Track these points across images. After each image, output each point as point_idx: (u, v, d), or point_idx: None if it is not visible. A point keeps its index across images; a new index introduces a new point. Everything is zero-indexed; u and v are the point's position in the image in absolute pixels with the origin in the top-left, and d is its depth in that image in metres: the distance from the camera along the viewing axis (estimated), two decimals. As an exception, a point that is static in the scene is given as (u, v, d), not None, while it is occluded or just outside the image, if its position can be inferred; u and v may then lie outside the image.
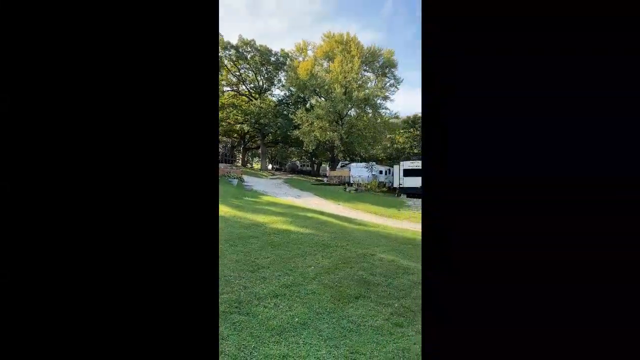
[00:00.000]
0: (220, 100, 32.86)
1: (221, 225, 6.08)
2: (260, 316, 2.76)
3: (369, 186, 19.37)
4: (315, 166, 37.67)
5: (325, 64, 27.83)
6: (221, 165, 18.88)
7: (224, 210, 7.75)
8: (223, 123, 31.80)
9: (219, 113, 31.46)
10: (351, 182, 20.89)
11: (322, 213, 9.95)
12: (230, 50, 30.72)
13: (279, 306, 3.07)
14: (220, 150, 21.72)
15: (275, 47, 35.70)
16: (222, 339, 2.38)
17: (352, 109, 26.91)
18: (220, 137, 33.66)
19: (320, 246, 5.41)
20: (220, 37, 30.29)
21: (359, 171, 21.60)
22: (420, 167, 17.46)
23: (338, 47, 26.18)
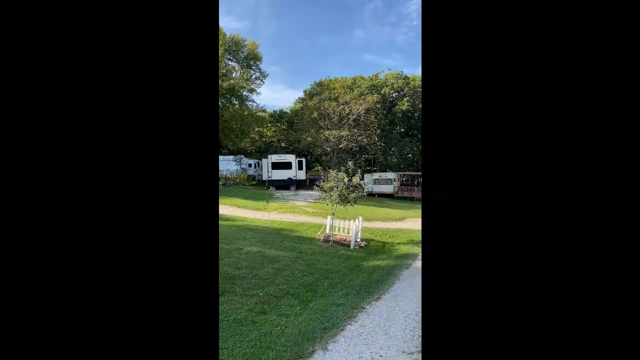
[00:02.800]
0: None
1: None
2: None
3: (238, 180, 19.00)
4: (177, 160, 33.94)
5: (184, 47, 25.18)
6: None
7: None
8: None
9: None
10: (219, 175, 19.97)
11: (184, 211, 9.14)
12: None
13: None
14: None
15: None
16: None
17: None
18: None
19: (181, 247, 5.01)
20: None
21: (227, 164, 20.83)
22: (287, 160, 18.36)
23: (198, 31, 24.13)
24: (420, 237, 1.34)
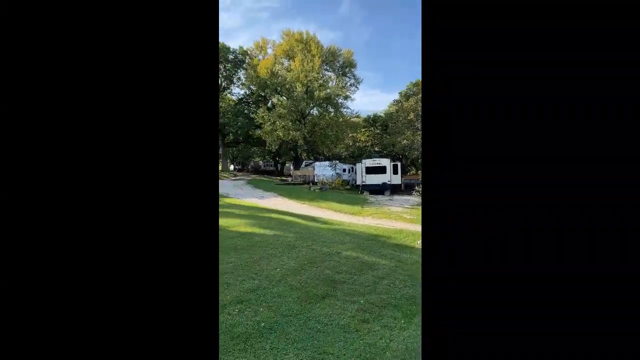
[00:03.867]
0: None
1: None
2: (224, 324, 2.66)
3: (333, 184, 19.59)
4: (279, 166, 37.29)
5: (285, 63, 27.60)
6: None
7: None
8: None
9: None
10: (315, 180, 20.97)
11: (286, 213, 9.87)
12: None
13: (243, 312, 2.97)
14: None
15: (230, 44, 34.61)
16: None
17: (314, 108, 27.01)
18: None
19: (286, 247, 5.36)
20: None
21: (322, 170, 21.75)
22: (382, 164, 18.02)
23: (298, 46, 26.09)
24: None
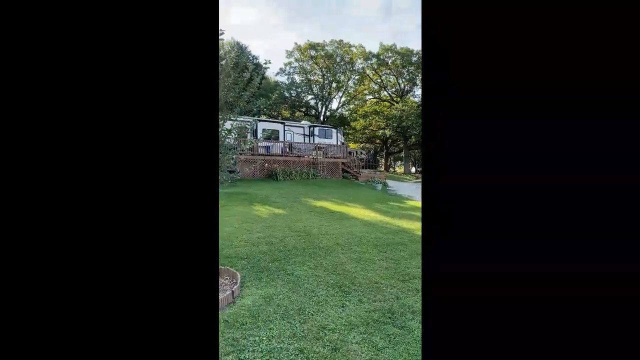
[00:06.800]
0: (362, 109, 34.32)
1: (367, 230, 6.18)
2: (416, 332, 2.55)
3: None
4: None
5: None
6: (365, 171, 19.53)
7: (369, 215, 7.89)
8: (366, 131, 33.00)
9: (363, 121, 32.82)
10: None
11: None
12: (372, 60, 31.70)
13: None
14: (363, 156, 22.52)
15: (411, 46, 34.29)
16: (378, 349, 2.31)
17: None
18: (363, 144, 35.10)
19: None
20: (361, 49, 31.77)
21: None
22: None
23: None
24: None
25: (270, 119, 20.96)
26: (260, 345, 2.30)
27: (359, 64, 32.91)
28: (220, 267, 3.66)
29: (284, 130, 18.77)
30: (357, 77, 33.87)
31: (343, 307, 2.96)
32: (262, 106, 3.67)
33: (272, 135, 18.00)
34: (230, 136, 3.58)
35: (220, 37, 3.37)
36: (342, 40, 32.35)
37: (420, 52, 30.40)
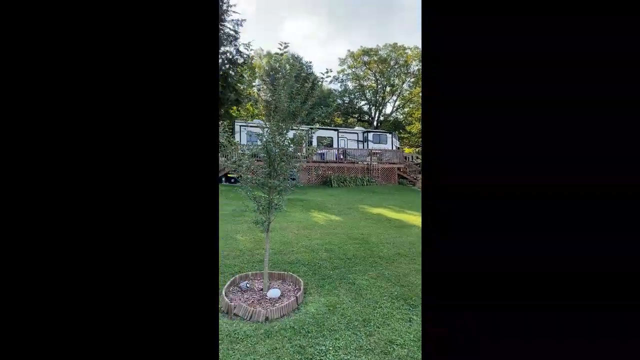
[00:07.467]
0: (418, 112, 32.97)
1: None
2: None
3: None
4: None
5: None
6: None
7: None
8: (422, 134, 31.54)
9: (419, 125, 31.50)
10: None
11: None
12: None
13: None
14: (420, 161, 21.53)
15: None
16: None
17: None
18: (419, 148, 33.64)
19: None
20: (417, 50, 30.69)
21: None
22: None
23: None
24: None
25: (324, 127, 21.25)
26: (327, 356, 2.28)
27: (414, 65, 31.82)
28: (283, 272, 3.76)
29: (338, 137, 18.89)
30: (412, 80, 32.77)
31: (410, 321, 2.81)
32: (322, 114, 3.73)
33: (326, 142, 18.26)
34: (292, 146, 3.69)
35: (285, 50, 3.51)
36: (397, 44, 31.70)
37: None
